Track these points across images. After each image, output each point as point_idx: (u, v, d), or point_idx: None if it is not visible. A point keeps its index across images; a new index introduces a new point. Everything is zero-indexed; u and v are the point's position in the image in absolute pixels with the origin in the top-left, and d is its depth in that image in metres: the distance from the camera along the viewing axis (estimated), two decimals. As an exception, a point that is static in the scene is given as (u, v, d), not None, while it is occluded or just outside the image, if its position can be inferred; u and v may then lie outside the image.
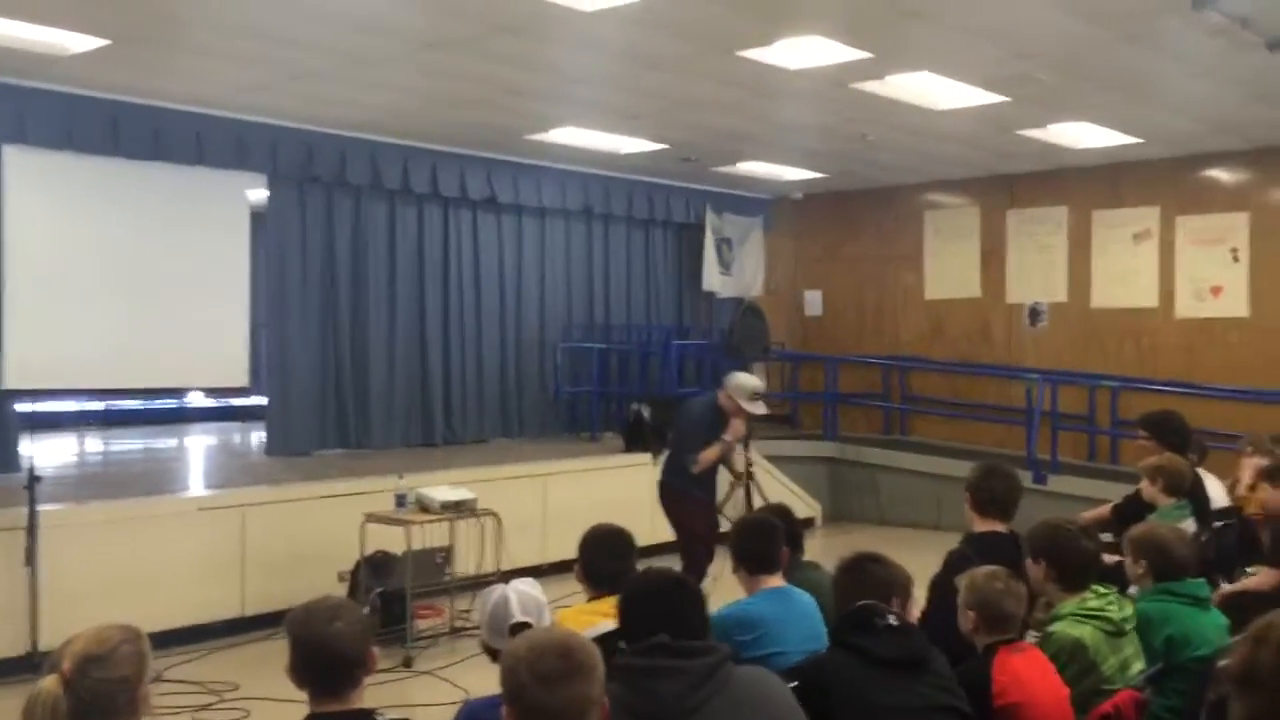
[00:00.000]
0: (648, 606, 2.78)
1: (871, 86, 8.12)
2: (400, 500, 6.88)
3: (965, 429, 12.03)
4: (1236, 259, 10.63)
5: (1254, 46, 6.91)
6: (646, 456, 9.88)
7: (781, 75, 7.71)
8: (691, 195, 12.72)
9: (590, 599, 3.53)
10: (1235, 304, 10.64)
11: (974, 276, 12.30)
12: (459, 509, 6.85)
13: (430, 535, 7.11)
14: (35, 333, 8.09)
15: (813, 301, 13.48)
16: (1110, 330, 11.35)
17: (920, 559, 8.19)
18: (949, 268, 12.50)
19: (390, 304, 10.34)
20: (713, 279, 12.87)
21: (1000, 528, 4.36)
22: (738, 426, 6.73)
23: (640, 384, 11.89)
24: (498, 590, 2.94)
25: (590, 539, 3.66)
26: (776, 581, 3.70)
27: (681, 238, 13.05)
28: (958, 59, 7.47)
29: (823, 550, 10.12)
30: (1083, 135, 9.85)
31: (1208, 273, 10.79)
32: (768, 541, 3.75)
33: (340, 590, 7.55)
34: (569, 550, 8.52)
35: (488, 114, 9.08)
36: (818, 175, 12.12)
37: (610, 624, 3.31)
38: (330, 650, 2.60)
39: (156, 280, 8.71)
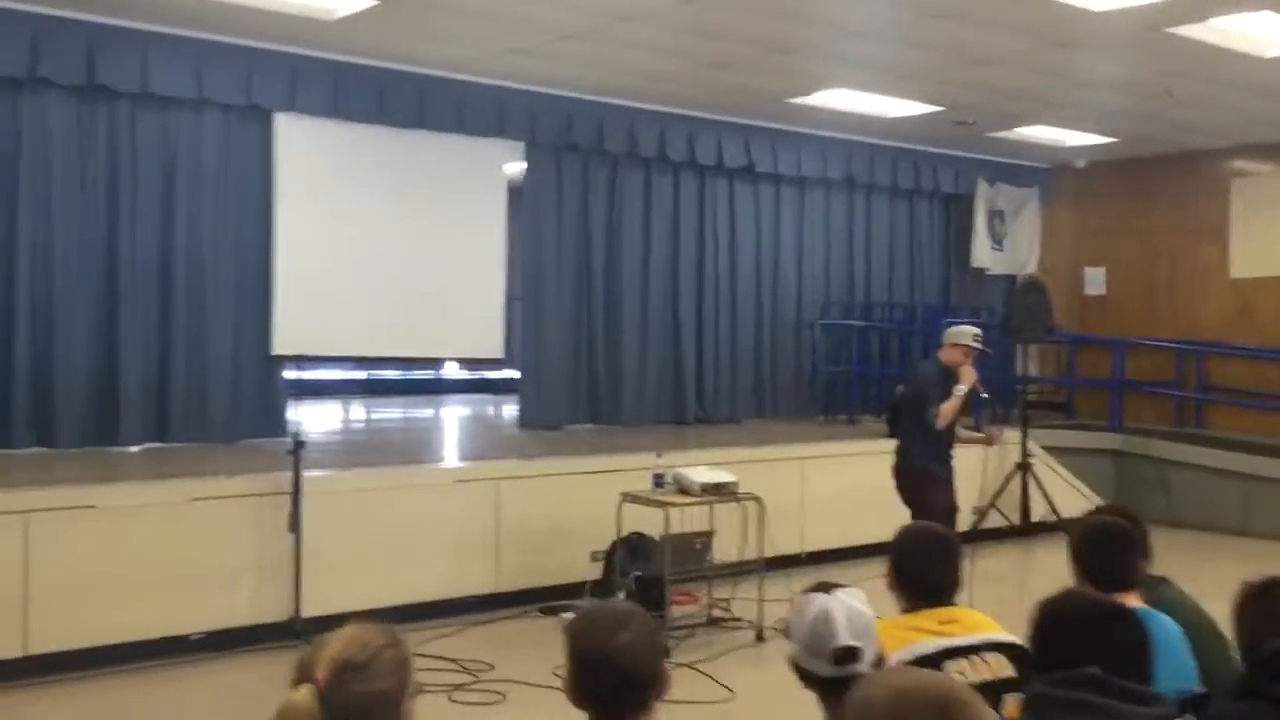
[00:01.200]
0: (1079, 634, 2.27)
1: (1190, 30, 7.15)
2: (658, 480, 6.52)
3: (1274, 423, 10.70)
4: None
5: None
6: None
7: (1086, 19, 6.89)
8: (961, 164, 11.86)
9: (905, 611, 2.97)
10: None
11: (1292, 253, 10.93)
12: (720, 491, 6.44)
13: (687, 518, 6.72)
14: (303, 300, 8.19)
15: (1094, 279, 12.34)
16: None
17: (1221, 569, 7.19)
18: (1260, 243, 11.15)
19: (644, 277, 10.05)
20: (982, 254, 12.00)
21: None
22: (968, 373, 6.58)
23: (904, 365, 11.17)
24: (818, 601, 2.41)
25: (909, 541, 3.08)
26: (1134, 602, 3.01)
27: (949, 210, 12.22)
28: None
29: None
30: None
31: None
32: (1122, 551, 3.09)
33: (594, 572, 7.32)
34: (828, 539, 8.08)
35: (751, 76, 8.62)
36: (1106, 140, 11.04)
37: (933, 643, 2.79)
38: (616, 667, 2.18)
39: (417, 250, 8.70)
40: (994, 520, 9.49)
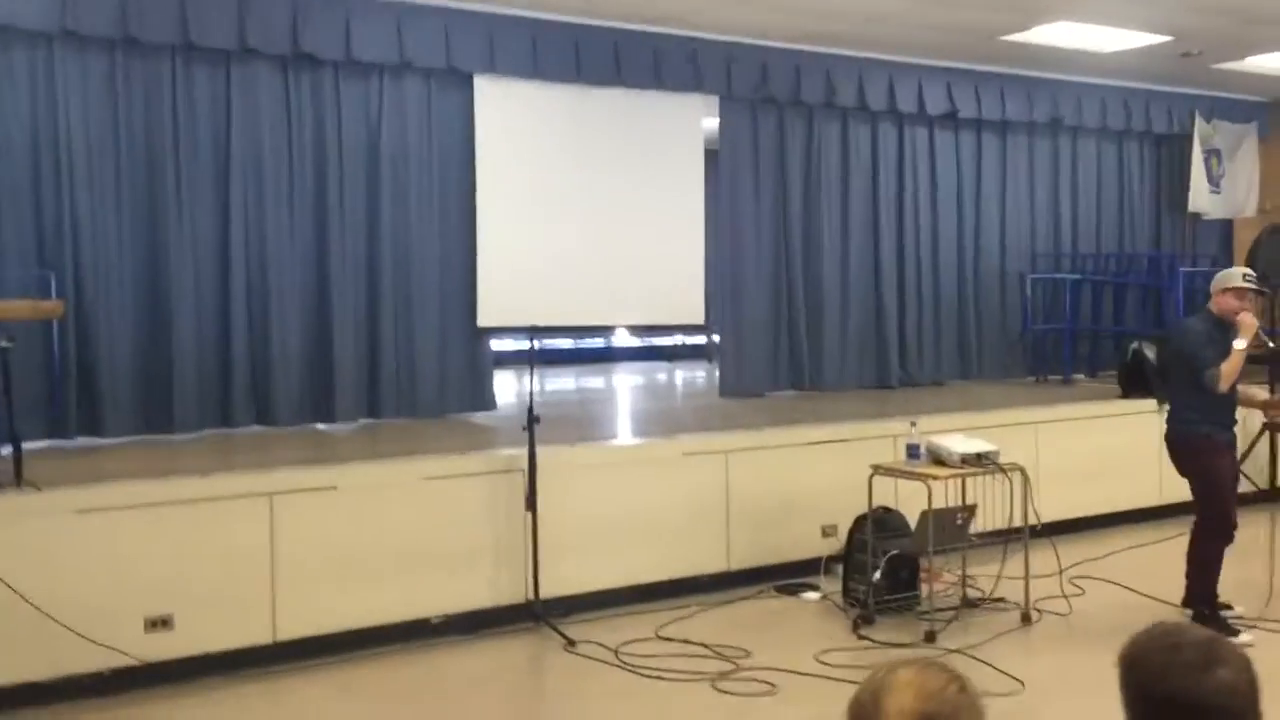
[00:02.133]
0: None
1: None
2: (913, 451, 6.10)
3: None
4: None
5: None
6: (1151, 402, 8.61)
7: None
8: (1173, 101, 11.07)
9: None
10: None
11: None
12: (980, 462, 5.98)
13: (938, 491, 6.25)
14: (506, 270, 7.99)
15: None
16: None
17: None
18: None
19: (843, 235, 9.61)
20: (1200, 198, 11.19)
21: None
22: (1246, 320, 5.78)
23: (1122, 319, 10.54)
24: None
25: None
26: None
27: (1159, 151, 11.43)
28: None
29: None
30: None
31: None
32: None
33: (827, 548, 6.96)
34: (1066, 510, 7.51)
35: (963, 10, 8.04)
36: (1344, 66, 10.12)
37: None
38: (1211, 713, 1.76)
39: (616, 213, 8.42)
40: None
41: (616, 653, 5.70)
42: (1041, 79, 10.21)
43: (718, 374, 9.51)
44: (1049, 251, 10.66)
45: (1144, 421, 8.59)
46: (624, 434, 7.29)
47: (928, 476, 5.90)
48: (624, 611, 6.35)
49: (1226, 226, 11.87)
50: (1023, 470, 6.08)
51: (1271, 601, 6.12)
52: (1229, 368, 5.74)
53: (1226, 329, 5.87)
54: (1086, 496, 7.96)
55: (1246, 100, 11.46)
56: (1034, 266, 10.47)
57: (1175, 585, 6.36)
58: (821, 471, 7.09)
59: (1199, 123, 11.14)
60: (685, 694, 5.23)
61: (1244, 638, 5.75)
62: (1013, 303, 10.46)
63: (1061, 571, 6.67)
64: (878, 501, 6.37)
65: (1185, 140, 11.16)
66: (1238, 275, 5.98)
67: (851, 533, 6.50)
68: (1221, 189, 11.41)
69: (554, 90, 8.12)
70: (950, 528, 5.95)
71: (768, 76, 8.92)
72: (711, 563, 6.81)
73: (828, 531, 7.09)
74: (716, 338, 9.73)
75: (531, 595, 6.08)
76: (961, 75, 9.81)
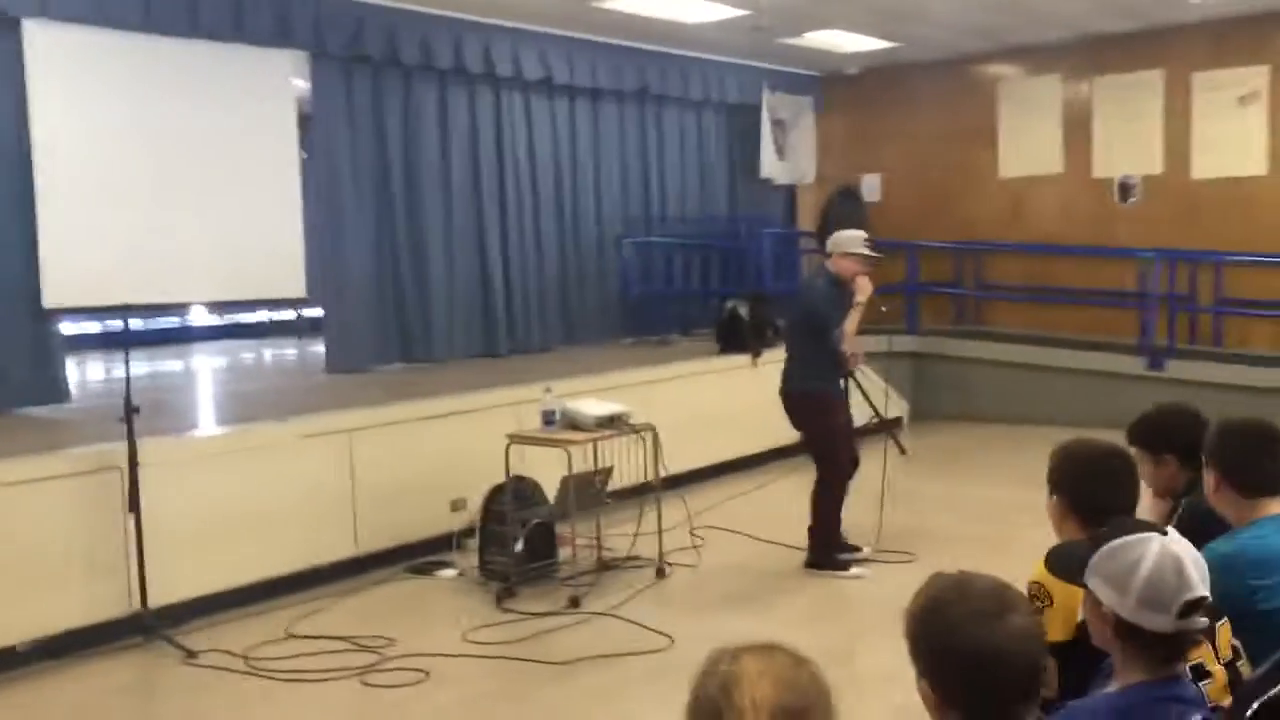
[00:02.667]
0: None
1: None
2: (548, 417, 6.02)
3: (1046, 316, 11.35)
4: (1359, 118, 9.95)
5: None
6: (745, 358, 9.14)
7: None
8: (745, 73, 11.78)
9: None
10: (1357, 168, 9.99)
11: (1056, 152, 11.52)
12: (614, 424, 6.02)
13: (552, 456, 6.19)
14: (71, 243, 7.04)
15: (870, 186, 12.61)
16: (1213, 203, 10.65)
17: (1018, 456, 7.54)
18: (1026, 143, 11.71)
19: (446, 203, 9.37)
20: (770, 165, 12.03)
21: None
22: (864, 284, 6.21)
23: (710, 280, 11.09)
24: (1157, 546, 1.99)
25: (1083, 460, 2.76)
26: (1276, 509, 2.84)
27: (733, 120, 12.12)
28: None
29: (920, 451, 9.50)
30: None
31: (1326, 135, 10.11)
32: (1268, 454, 2.88)
33: (457, 523, 6.76)
34: (682, 464, 7.78)
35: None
36: (882, 45, 11.17)
37: None
38: (1009, 661, 1.75)
39: (203, 179, 7.68)
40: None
41: (246, 659, 5.20)
42: (630, 48, 10.48)
43: (323, 349, 8.99)
44: (642, 216, 11.00)
45: (740, 376, 9.12)
46: (230, 420, 6.65)
47: (566, 442, 5.85)
48: (249, 613, 5.84)
49: (790, 191, 12.84)
50: (654, 430, 6.18)
51: (881, 538, 6.62)
52: (850, 326, 6.11)
53: (844, 288, 6.23)
54: (697, 450, 8.29)
55: (805, 74, 12.41)
56: (633, 231, 10.77)
57: (785, 528, 6.79)
58: (446, 445, 6.90)
59: (766, 94, 11.93)
60: (331, 693, 4.86)
61: (855, 570, 6.22)
62: (610, 267, 10.72)
63: (691, 527, 6.90)
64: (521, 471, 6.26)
65: (755, 111, 11.90)
66: (859, 240, 6.26)
67: (486, 505, 6.34)
68: (786, 157, 12.32)
69: (119, 38, 7.23)
70: (589, 491, 5.95)
71: (362, 34, 8.48)
72: (339, 549, 6.42)
73: (457, 505, 6.89)
74: (310, 312, 9.17)
75: (139, 606, 5.41)
76: (555, 41, 9.85)
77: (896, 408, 10.45)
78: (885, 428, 9.30)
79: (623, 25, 9.72)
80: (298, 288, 8.37)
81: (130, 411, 5.29)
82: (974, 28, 10.63)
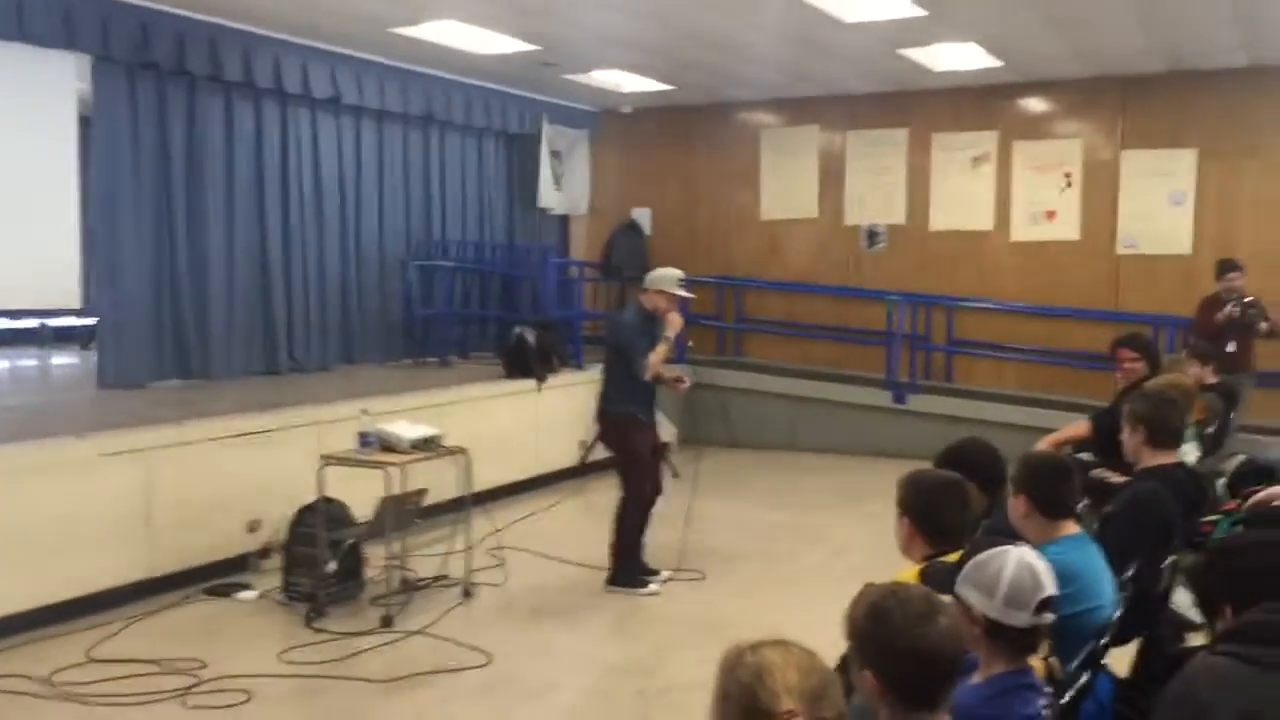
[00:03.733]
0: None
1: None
2: (365, 439, 6.10)
3: (801, 349, 12.22)
4: (1070, 184, 11.28)
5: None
6: (530, 382, 9.43)
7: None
8: (525, 104, 12.11)
9: (926, 558, 3.08)
10: (1068, 227, 11.31)
11: (812, 197, 12.43)
12: (428, 446, 6.16)
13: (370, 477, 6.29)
14: None
15: (640, 220, 13.17)
16: (947, 252, 11.79)
17: (782, 480, 8.33)
18: (785, 187, 12.57)
19: (229, 216, 9.19)
20: (548, 194, 12.38)
21: (1172, 460, 4.31)
22: (676, 320, 6.66)
23: (501, 305, 11.32)
24: (1014, 556, 2.44)
25: (927, 488, 3.19)
26: (1074, 528, 3.42)
27: (512, 150, 12.42)
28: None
29: (692, 474, 10.05)
30: (956, 57, 10.06)
31: (1043, 197, 11.39)
32: (1066, 483, 3.45)
33: (253, 541, 6.72)
34: (475, 483, 7.97)
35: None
36: (663, 87, 11.76)
37: None
38: (941, 657, 2.10)
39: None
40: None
41: (51, 683, 5.04)
42: (417, 73, 10.59)
43: (95, 362, 8.62)
44: (424, 239, 11.10)
45: (527, 399, 9.40)
46: (13, 436, 6.32)
47: (385, 464, 5.95)
48: (38, 636, 5.62)
49: (564, 221, 13.23)
50: (465, 452, 6.37)
51: (681, 558, 7.04)
52: (656, 358, 6.51)
53: (655, 322, 6.61)
54: (490, 471, 8.47)
55: (582, 109, 12.86)
56: (412, 253, 10.85)
57: (578, 547, 7.15)
58: (243, 465, 6.83)
59: (545, 125, 12.28)
60: (155, 717, 4.78)
61: (651, 588, 6.61)
62: (392, 288, 10.75)
63: (491, 547, 7.10)
64: (312, 493, 6.28)
65: (534, 141, 12.23)
66: (673, 279, 6.65)
67: (294, 525, 6.34)
68: (562, 187, 12.71)
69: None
70: (405, 512, 6.07)
71: (149, 39, 8.23)
72: (133, 570, 6.26)
73: (253, 526, 6.84)
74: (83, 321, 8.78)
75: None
76: (346, 61, 9.86)
77: (667, 432, 10.97)
78: (657, 451, 9.84)
79: (411, 51, 9.84)
80: (74, 298, 8.03)
81: (-76, 427, 5.03)
82: (741, 79, 11.37)
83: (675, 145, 13.03)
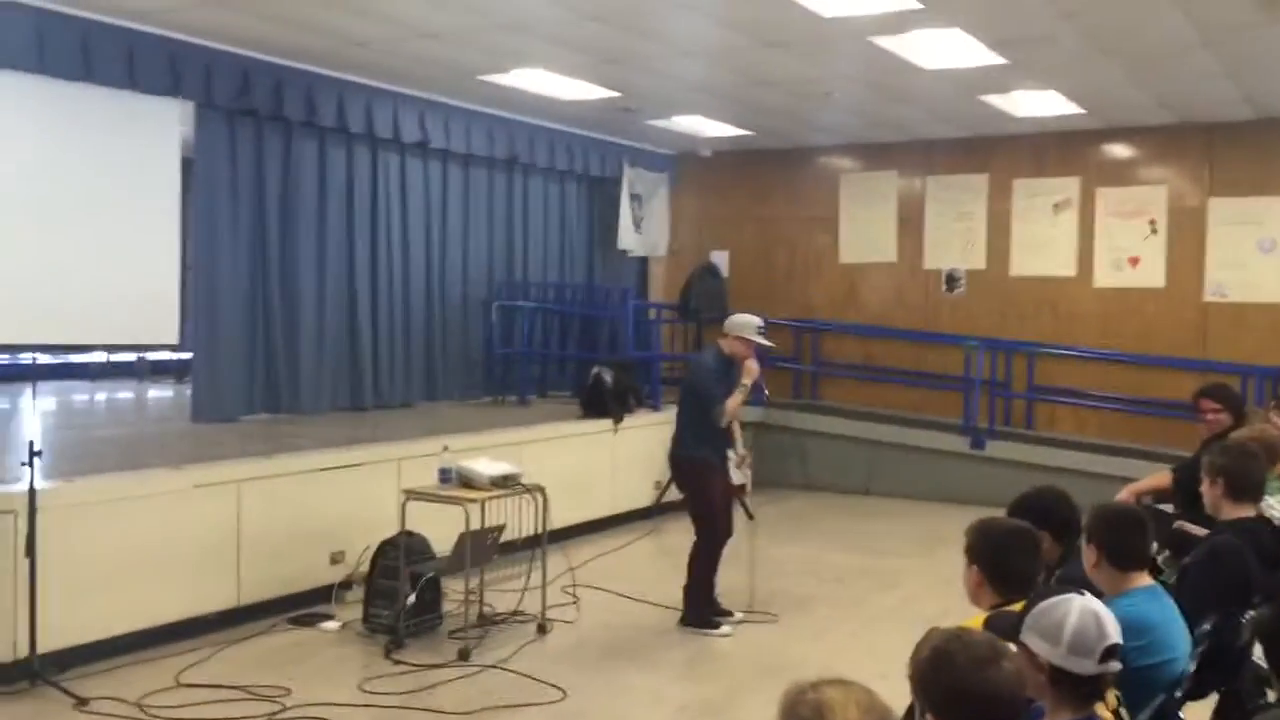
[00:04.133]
0: None
1: (888, 41, 7.95)
2: (444, 475, 6.26)
3: (878, 393, 12.18)
4: (1155, 231, 11.15)
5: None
6: (607, 422, 9.55)
7: (802, 22, 7.41)
8: (606, 148, 12.32)
9: (994, 606, 3.10)
10: (1153, 274, 11.16)
11: (890, 242, 12.44)
12: (506, 484, 6.29)
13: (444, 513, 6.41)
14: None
15: (719, 263, 13.27)
16: (1027, 298, 11.70)
17: (856, 524, 8.24)
18: (864, 231, 12.59)
19: (319, 256, 9.48)
20: (628, 236, 12.53)
21: (1252, 513, 4.27)
22: (752, 366, 6.68)
23: (579, 346, 11.49)
24: (1078, 604, 2.47)
25: (996, 535, 3.21)
26: (1147, 580, 3.42)
27: (593, 192, 12.63)
28: (983, 15, 7.36)
29: (767, 517, 10.06)
30: (1037, 104, 10.05)
31: (1127, 244, 11.27)
32: (1139, 534, 3.45)
33: (335, 574, 6.89)
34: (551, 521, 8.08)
35: (449, 48, 8.36)
36: (742, 132, 11.90)
37: None
38: (1004, 700, 2.15)
39: (84, 221, 7.62)
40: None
41: (141, 706, 5.23)
42: (502, 118, 10.85)
43: (165, 394, 8.92)
44: (506, 279, 11.32)
45: (604, 439, 9.52)
46: (116, 466, 6.58)
47: (465, 499, 6.09)
48: (129, 660, 5.84)
49: (643, 263, 13.38)
50: (543, 490, 6.48)
51: (753, 600, 7.08)
52: (733, 405, 6.57)
53: (733, 367, 6.68)
54: (565, 509, 8.58)
55: (660, 153, 13.04)
56: (495, 293, 11.06)
57: (652, 586, 7.22)
58: (328, 498, 7.03)
59: (626, 169, 12.47)
60: (241, 742, 4.94)
61: (723, 629, 6.65)
62: (474, 327, 10.97)
63: (566, 585, 7.21)
64: (393, 527, 6.45)
65: (615, 184, 12.43)
66: (752, 327, 6.70)
67: (375, 559, 6.50)
68: (642, 229, 12.87)
69: (13, 79, 7.16)
70: (484, 547, 6.20)
71: (249, 87, 8.59)
72: (221, 598, 6.46)
73: (336, 558, 7.02)
74: (154, 356, 9.07)
75: (26, 653, 5.36)
76: (434, 106, 10.14)
77: (741, 475, 11.00)
78: (734, 493, 9.88)
79: (498, 96, 10.10)
80: (171, 334, 8.34)
81: (33, 456, 5.28)
82: (819, 125, 11.46)
83: (754, 189, 13.13)
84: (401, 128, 9.87)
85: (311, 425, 8.67)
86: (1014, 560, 3.13)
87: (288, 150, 9.19)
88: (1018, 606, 2.97)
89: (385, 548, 6.44)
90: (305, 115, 9.06)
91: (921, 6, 7.04)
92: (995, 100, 9.94)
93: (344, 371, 9.72)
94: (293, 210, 9.22)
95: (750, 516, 9.12)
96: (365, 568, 6.64)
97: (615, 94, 9.97)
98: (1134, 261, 11.27)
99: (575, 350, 11.69)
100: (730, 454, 6.93)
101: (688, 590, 6.71)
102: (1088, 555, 3.44)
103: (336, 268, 9.62)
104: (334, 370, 9.62)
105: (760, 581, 7.26)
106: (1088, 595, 2.51)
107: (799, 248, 12.95)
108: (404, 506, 6.24)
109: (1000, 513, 3.59)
